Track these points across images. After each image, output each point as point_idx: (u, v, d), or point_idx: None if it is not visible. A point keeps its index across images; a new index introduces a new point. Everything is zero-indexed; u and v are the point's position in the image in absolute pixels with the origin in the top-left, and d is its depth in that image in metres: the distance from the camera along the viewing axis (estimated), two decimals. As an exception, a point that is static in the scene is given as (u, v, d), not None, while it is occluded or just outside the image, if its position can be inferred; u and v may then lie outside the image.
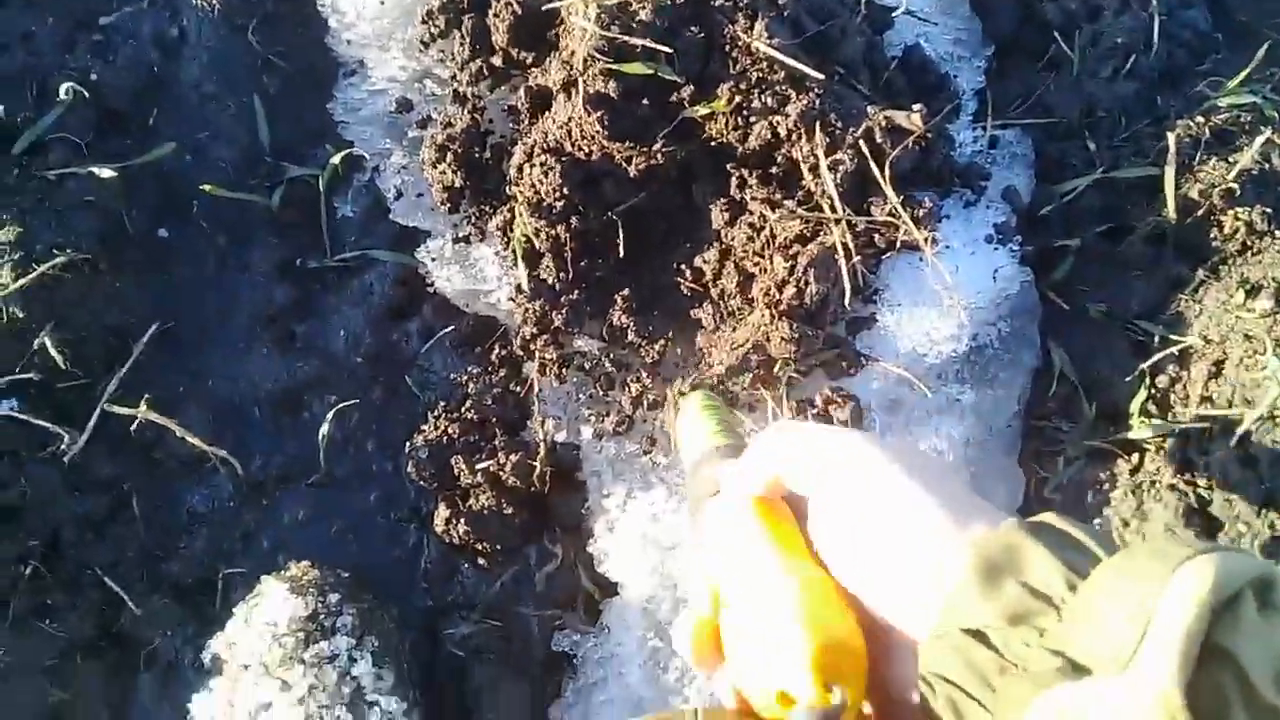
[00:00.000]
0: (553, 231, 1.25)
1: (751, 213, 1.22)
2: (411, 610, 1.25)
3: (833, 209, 1.16)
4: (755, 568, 0.63)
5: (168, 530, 1.26)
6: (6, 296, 1.20)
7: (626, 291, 1.27)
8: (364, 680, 1.11)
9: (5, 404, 1.21)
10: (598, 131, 1.20)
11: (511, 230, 1.29)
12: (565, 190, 1.23)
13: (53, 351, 1.20)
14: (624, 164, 1.23)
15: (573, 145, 1.24)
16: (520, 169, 1.26)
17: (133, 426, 1.21)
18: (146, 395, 1.20)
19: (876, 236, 1.20)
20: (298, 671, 1.09)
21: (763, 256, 1.21)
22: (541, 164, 1.24)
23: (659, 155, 1.22)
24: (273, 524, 1.27)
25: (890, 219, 1.17)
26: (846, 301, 1.16)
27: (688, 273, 1.27)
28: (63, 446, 1.20)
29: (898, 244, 1.19)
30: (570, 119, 1.22)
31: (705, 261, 1.26)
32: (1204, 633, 0.43)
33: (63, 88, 1.33)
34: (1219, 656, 0.43)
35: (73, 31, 1.42)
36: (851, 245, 1.15)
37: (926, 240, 1.16)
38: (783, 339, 1.17)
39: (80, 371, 1.24)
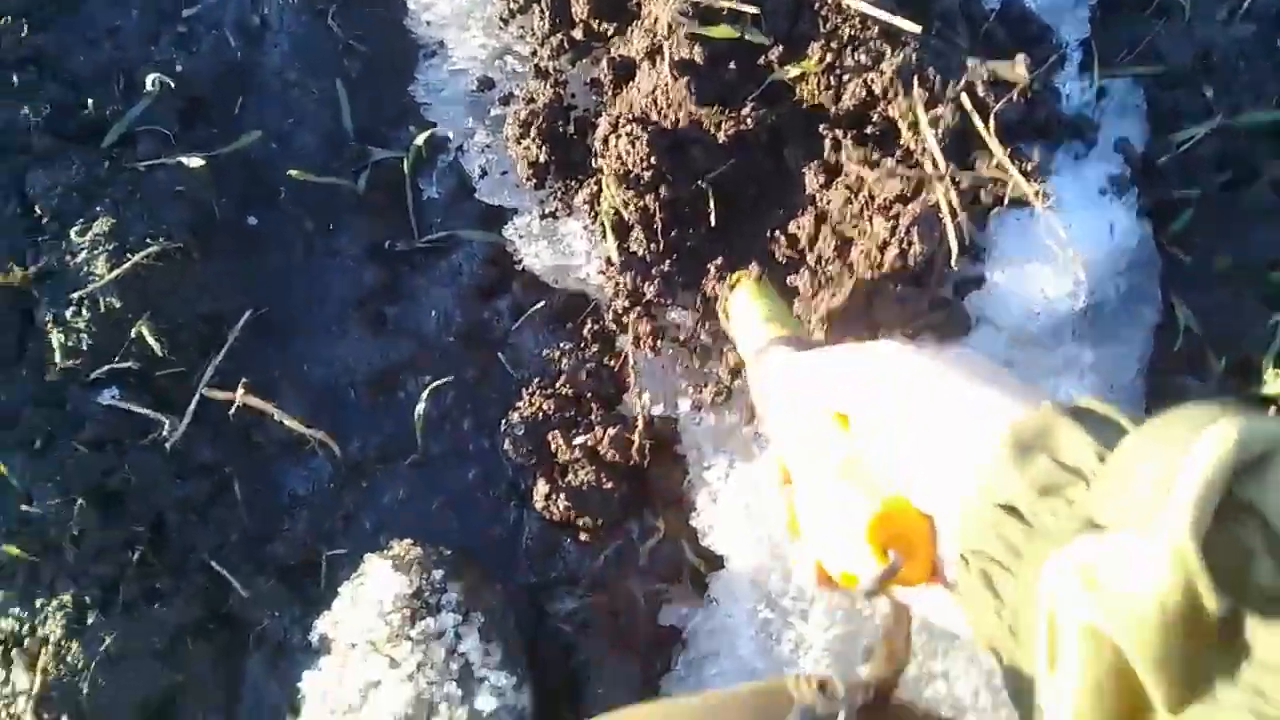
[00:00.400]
0: (641, 202, 1.23)
1: (847, 175, 1.19)
2: (515, 586, 1.24)
3: (935, 166, 1.12)
4: (817, 456, 0.68)
5: (270, 513, 1.26)
6: (103, 287, 1.20)
7: (719, 261, 1.24)
8: (472, 656, 1.10)
9: (106, 393, 1.22)
10: (684, 98, 1.17)
11: (599, 204, 1.27)
12: (653, 160, 1.20)
13: (150, 340, 1.21)
14: (712, 130, 1.20)
15: (659, 114, 1.21)
16: (606, 141, 1.24)
17: (231, 411, 1.20)
18: (244, 380, 1.20)
19: (983, 193, 1.16)
20: (405, 648, 1.08)
21: (861, 219, 1.17)
22: (628, 134, 1.21)
23: (748, 120, 1.19)
24: (373, 504, 1.27)
25: (998, 173, 1.13)
26: (953, 262, 1.12)
27: (782, 239, 1.24)
28: (163, 433, 1.21)
29: (1006, 199, 1.15)
30: (655, 87, 1.20)
31: (800, 227, 1.22)
32: (1223, 489, 0.42)
33: (149, 79, 1.34)
34: (1243, 510, 0.42)
35: (157, 24, 1.42)
36: (956, 203, 1.11)
37: (1037, 194, 1.12)
38: (887, 303, 1.13)
39: (177, 359, 1.25)
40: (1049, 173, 1.18)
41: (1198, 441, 0.44)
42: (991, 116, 1.12)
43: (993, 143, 1.12)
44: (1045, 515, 0.49)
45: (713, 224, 1.24)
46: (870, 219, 1.16)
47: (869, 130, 1.18)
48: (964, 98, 1.13)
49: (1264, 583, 0.41)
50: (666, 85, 1.18)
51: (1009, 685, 0.53)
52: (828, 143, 1.20)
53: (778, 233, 1.24)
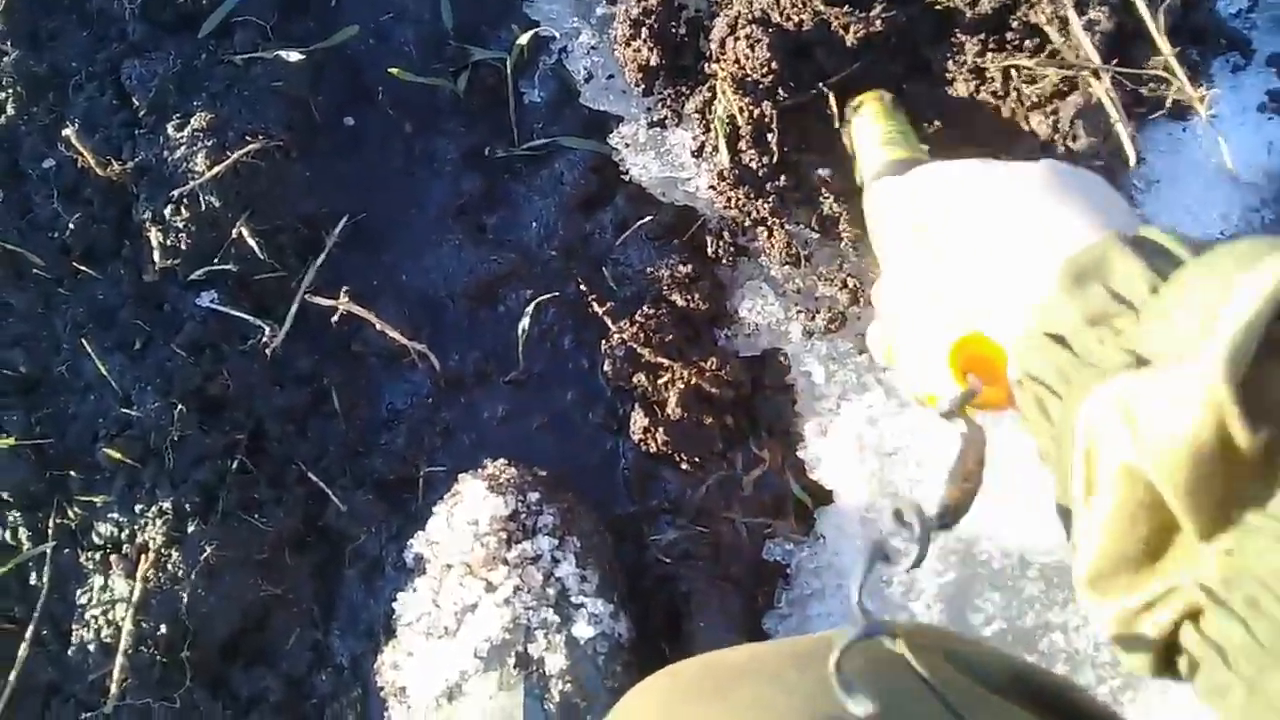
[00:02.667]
0: (758, 110, 1.16)
1: (990, 78, 1.10)
2: (615, 515, 1.21)
3: (1091, 61, 1.03)
4: (908, 281, 0.72)
5: (368, 426, 1.24)
6: (202, 185, 1.17)
7: (837, 175, 1.17)
8: (568, 581, 1.08)
9: (205, 295, 1.20)
10: (810, -3, 1.10)
11: (710, 111, 1.20)
12: (774, 64, 1.12)
13: (250, 241, 1.18)
14: (840, 32, 1.12)
15: (781, 14, 1.13)
16: (723, 43, 1.16)
17: (333, 319, 1.17)
18: (346, 287, 1.17)
19: (1142, 95, 1.07)
20: (501, 572, 1.06)
21: (1014, 119, 1.09)
22: (747, 36, 1.13)
23: (878, 22, 1.11)
24: (471, 421, 1.24)
25: (1162, 73, 1.04)
26: (1132, 162, 1.04)
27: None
28: (263, 339, 1.18)
29: (1167, 104, 1.06)
30: (779, -15, 1.12)
31: (936, 133, 1.15)
32: (1264, 325, 0.42)
33: (245, -34, 1.29)
34: None
35: (255, -93, 1.36)
36: (1119, 99, 1.03)
37: (1202, 99, 1.03)
38: None
39: (276, 263, 1.21)
40: (1209, 81, 1.09)
41: (1244, 275, 0.44)
42: (1160, 11, 1.03)
43: (1160, 38, 1.03)
44: (1094, 344, 0.50)
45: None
46: (1025, 117, 1.08)
47: (1009, 36, 1.10)
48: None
49: None
50: (791, -17, 1.10)
51: (1058, 508, 0.55)
52: (969, 47, 1.12)
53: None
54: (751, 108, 1.15)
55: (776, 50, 1.12)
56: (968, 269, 0.63)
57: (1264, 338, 0.42)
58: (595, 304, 1.23)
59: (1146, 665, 0.51)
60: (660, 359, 1.19)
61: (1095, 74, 1.03)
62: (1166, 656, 0.50)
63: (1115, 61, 1.06)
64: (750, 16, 1.15)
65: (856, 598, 0.57)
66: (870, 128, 1.03)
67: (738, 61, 1.14)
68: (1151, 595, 0.48)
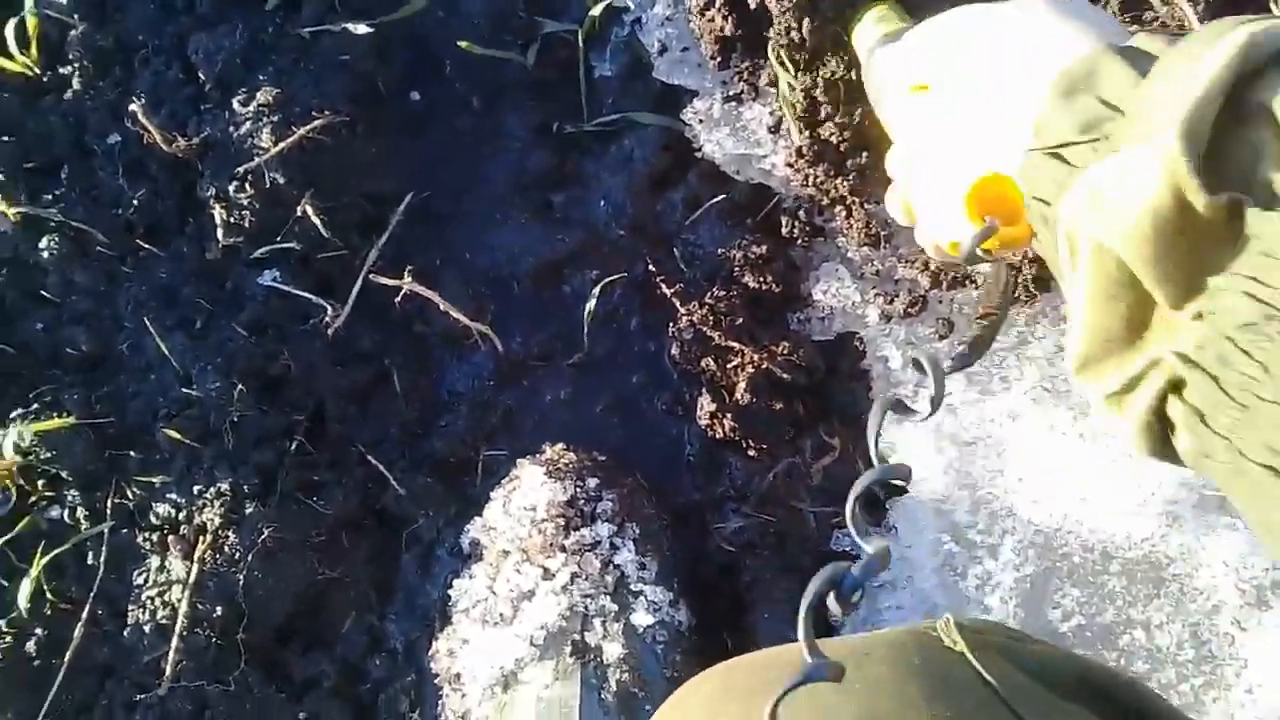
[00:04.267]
0: (814, 83, 1.10)
1: None
2: (678, 502, 1.17)
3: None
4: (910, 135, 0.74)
5: (429, 407, 1.21)
6: (267, 161, 1.15)
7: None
8: (627, 568, 1.04)
9: (268, 274, 1.18)
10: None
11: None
12: (817, 32, 1.06)
13: (314, 218, 1.15)
14: None
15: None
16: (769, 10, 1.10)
17: (397, 299, 1.15)
18: (409, 267, 1.14)
19: None
20: (559, 559, 1.03)
21: None
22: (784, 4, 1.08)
23: None
24: (533, 405, 1.21)
25: None
26: None
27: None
28: (325, 319, 1.16)
29: None
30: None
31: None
32: (1223, 92, 0.43)
33: (312, -62, 1.26)
34: (1254, 113, 0.43)
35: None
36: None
37: None
38: None
39: (339, 241, 1.19)
40: None
41: (1208, 50, 0.44)
42: None
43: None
44: (1086, 153, 0.50)
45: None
46: None
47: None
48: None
49: (1270, 177, 0.41)
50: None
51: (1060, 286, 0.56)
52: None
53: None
54: (806, 82, 1.09)
55: (818, 13, 1.06)
56: (971, 107, 0.63)
57: (1229, 107, 0.43)
58: (664, 285, 1.19)
59: (1144, 444, 0.51)
60: (730, 342, 1.14)
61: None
62: (1162, 435, 0.50)
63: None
64: None
65: (873, 448, 0.59)
66: (865, 17, 1.00)
67: (787, 31, 1.08)
68: (1136, 370, 0.49)
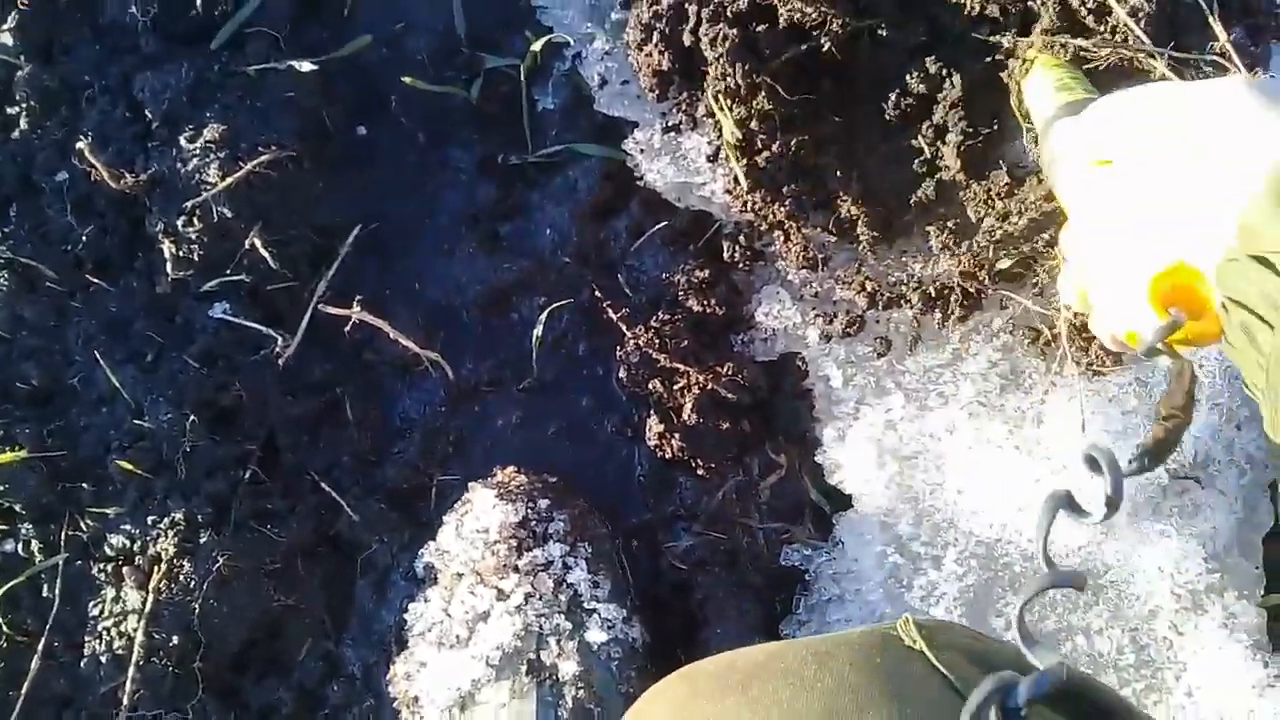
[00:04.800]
0: (752, 115, 1.13)
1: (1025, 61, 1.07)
2: (630, 521, 1.19)
3: (1141, 48, 1.01)
4: (1093, 215, 0.68)
5: (381, 435, 1.23)
6: (215, 196, 1.16)
7: (855, 175, 1.15)
8: (580, 587, 1.06)
9: (218, 307, 1.19)
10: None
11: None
12: (746, 65, 1.10)
13: (262, 251, 1.17)
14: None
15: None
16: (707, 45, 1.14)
17: (346, 328, 1.17)
18: (358, 296, 1.16)
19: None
20: (513, 580, 1.05)
21: None
22: (714, 38, 1.11)
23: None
24: (485, 430, 1.23)
25: (1217, 58, 1.02)
26: None
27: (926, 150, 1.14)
28: (276, 349, 1.17)
29: None
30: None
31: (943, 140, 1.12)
32: None
33: (258, -22, 1.28)
34: None
35: (266, -79, 1.36)
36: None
37: None
38: None
39: (289, 272, 1.21)
40: (1266, 67, 1.07)
41: None
42: None
43: (1215, 23, 1.01)
44: None
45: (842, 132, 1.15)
46: None
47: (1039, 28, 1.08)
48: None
49: None
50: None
51: (1269, 439, 0.52)
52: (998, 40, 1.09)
53: (917, 143, 1.14)
54: (744, 114, 1.13)
55: (748, 49, 1.10)
56: (1161, 192, 0.59)
57: None
58: (610, 310, 1.22)
59: None
60: (676, 364, 1.17)
61: (1152, 57, 1.01)
62: None
63: (1171, 46, 1.04)
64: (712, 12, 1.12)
65: (1042, 551, 0.57)
66: (1041, 79, 0.98)
67: (719, 65, 1.12)
68: None
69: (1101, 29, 1.03)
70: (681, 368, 1.17)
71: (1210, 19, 1.01)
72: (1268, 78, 0.61)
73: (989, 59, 1.10)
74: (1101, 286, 0.67)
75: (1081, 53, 1.02)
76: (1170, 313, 0.56)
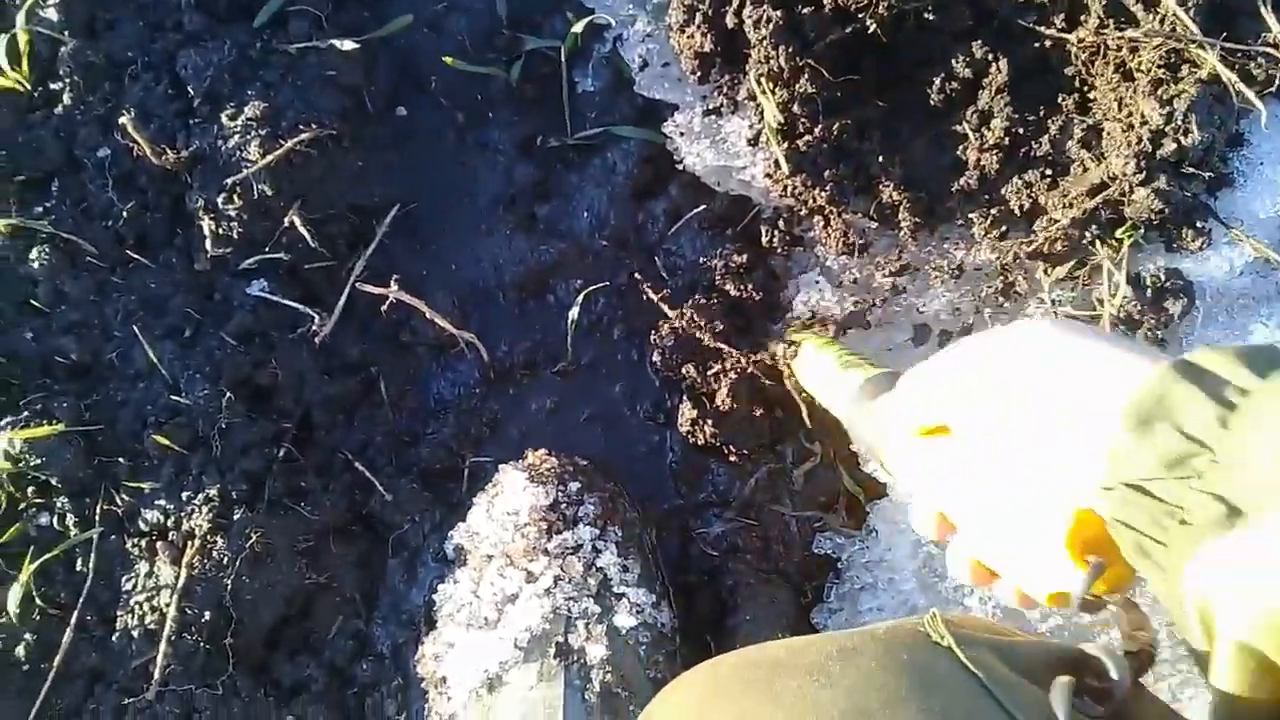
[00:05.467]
0: (794, 98, 1.12)
1: (1085, 48, 1.06)
2: (662, 506, 1.19)
3: (1193, 38, 0.99)
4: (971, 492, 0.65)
5: (415, 415, 1.23)
6: (255, 173, 1.17)
7: (898, 161, 1.13)
8: (610, 571, 1.06)
9: (256, 284, 1.20)
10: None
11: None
12: (791, 47, 1.09)
13: (301, 229, 1.17)
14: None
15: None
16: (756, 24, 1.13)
17: (383, 308, 1.17)
18: (395, 276, 1.16)
19: (1251, 74, 1.02)
20: (542, 563, 1.04)
21: (1116, 106, 1.05)
22: (758, 19, 1.10)
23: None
24: (519, 412, 1.23)
25: (1270, 50, 0.99)
26: (1263, 121, 1.01)
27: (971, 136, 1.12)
28: (313, 328, 1.18)
29: (1276, 82, 1.02)
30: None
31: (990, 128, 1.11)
32: None
33: (301, -44, 1.29)
34: None
35: (310, -101, 1.36)
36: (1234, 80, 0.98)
37: None
38: (1149, 195, 1.01)
39: (327, 251, 1.21)
40: None
41: None
42: None
43: (1268, 14, 0.98)
44: (1178, 490, 0.48)
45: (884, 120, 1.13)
46: (1119, 102, 1.04)
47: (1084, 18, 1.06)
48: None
49: None
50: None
51: (1187, 646, 0.53)
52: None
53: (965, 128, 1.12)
54: (787, 97, 1.12)
55: (792, 31, 1.09)
56: (1020, 444, 0.60)
57: None
58: (646, 294, 1.21)
59: None
60: (711, 349, 1.16)
61: (1203, 47, 0.99)
62: None
63: (1223, 37, 1.02)
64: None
65: None
66: (818, 359, 0.99)
67: (762, 47, 1.11)
68: None
69: (1150, 19, 1.01)
70: (718, 351, 1.16)
71: (1262, 8, 0.99)
72: (1064, 316, 0.61)
73: (1036, 45, 1.08)
74: (1005, 553, 0.65)
75: (1128, 42, 1.00)
76: (1088, 561, 0.56)
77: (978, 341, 0.66)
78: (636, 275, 1.23)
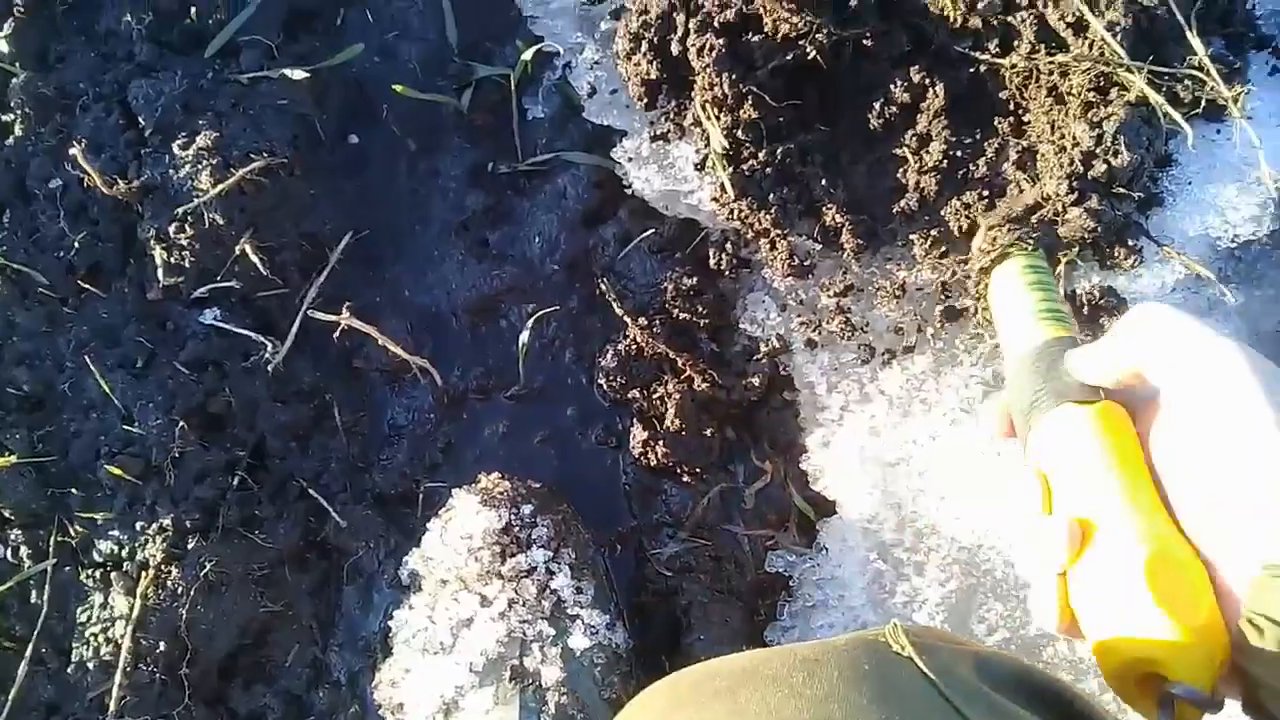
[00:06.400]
0: (752, 119, 1.15)
1: (1018, 73, 1.08)
2: (617, 528, 1.20)
3: (1120, 62, 1.02)
4: (1104, 516, 0.61)
5: (369, 441, 1.24)
6: (207, 203, 1.17)
7: (840, 184, 1.16)
8: (564, 593, 1.07)
9: (209, 313, 1.20)
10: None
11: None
12: (733, 74, 1.11)
13: (253, 257, 1.18)
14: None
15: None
16: (699, 52, 1.15)
17: (336, 334, 1.18)
18: (348, 303, 1.17)
19: (1177, 95, 1.06)
20: (496, 586, 1.05)
21: (1049, 129, 1.08)
22: (701, 48, 1.13)
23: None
24: (472, 436, 1.24)
25: (1196, 73, 1.03)
26: (1189, 142, 1.03)
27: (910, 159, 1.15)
28: (265, 355, 1.18)
29: (1202, 104, 1.05)
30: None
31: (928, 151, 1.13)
32: None
33: (251, -13, 1.30)
34: None
35: (260, -70, 1.37)
36: (1161, 100, 1.01)
37: (1236, 99, 1.02)
38: (1081, 215, 1.03)
39: (279, 280, 1.22)
40: (1245, 82, 1.08)
41: None
42: (1193, 12, 1.01)
43: (1193, 37, 1.01)
44: None
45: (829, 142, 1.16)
46: (1051, 125, 1.07)
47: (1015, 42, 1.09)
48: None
49: None
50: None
51: None
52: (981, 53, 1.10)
53: (903, 154, 1.15)
54: (731, 123, 1.14)
55: (735, 58, 1.11)
56: (1181, 468, 0.58)
57: None
58: (596, 318, 1.23)
59: None
60: (660, 372, 1.18)
61: (1131, 71, 1.02)
62: None
63: (1150, 60, 1.05)
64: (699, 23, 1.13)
65: None
66: (1017, 296, 0.92)
67: (706, 74, 1.13)
68: None
69: (1080, 44, 1.04)
70: (665, 374, 1.18)
71: (1188, 32, 1.02)
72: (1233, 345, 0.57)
73: (971, 70, 1.11)
74: (1102, 602, 0.60)
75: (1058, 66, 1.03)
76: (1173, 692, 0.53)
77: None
78: (585, 301, 1.25)
